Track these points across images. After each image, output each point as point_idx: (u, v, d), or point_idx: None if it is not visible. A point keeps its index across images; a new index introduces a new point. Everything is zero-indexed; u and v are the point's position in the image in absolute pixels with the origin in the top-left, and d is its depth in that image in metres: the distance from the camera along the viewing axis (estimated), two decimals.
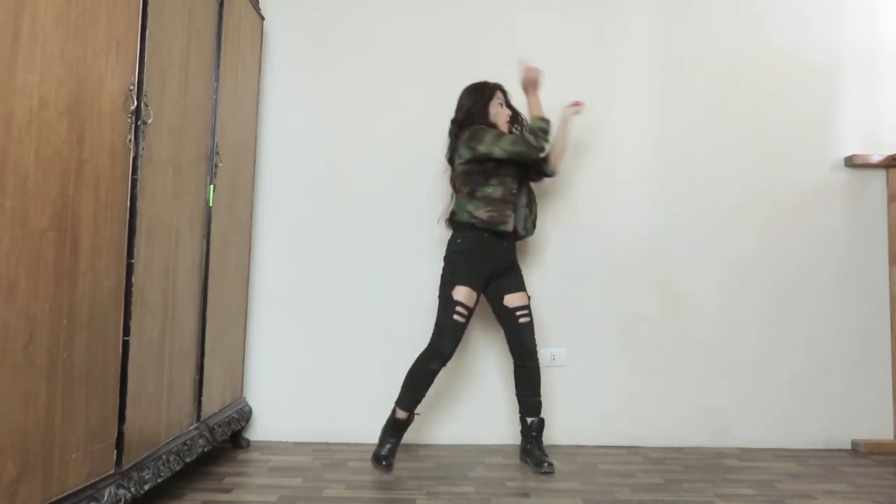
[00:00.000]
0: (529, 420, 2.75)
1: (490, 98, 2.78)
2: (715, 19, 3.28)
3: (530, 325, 2.76)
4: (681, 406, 3.14)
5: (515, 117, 2.83)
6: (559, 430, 3.10)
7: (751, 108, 3.25)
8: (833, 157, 3.24)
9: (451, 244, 2.71)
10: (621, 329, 3.18)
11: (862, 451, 3.05)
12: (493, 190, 2.67)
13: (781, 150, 3.24)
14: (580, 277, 3.18)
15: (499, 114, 2.78)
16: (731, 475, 2.63)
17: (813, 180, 3.23)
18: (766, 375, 3.16)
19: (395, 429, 2.60)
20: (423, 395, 2.62)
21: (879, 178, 3.23)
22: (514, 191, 2.75)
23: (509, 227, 2.72)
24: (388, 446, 2.57)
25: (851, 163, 3.21)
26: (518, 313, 2.75)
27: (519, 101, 2.87)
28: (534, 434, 2.74)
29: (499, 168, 2.68)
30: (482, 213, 2.66)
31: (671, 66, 3.27)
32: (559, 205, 3.21)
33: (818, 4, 3.30)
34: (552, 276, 3.17)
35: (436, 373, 2.60)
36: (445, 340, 2.60)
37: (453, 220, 2.74)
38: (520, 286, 2.78)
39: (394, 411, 2.62)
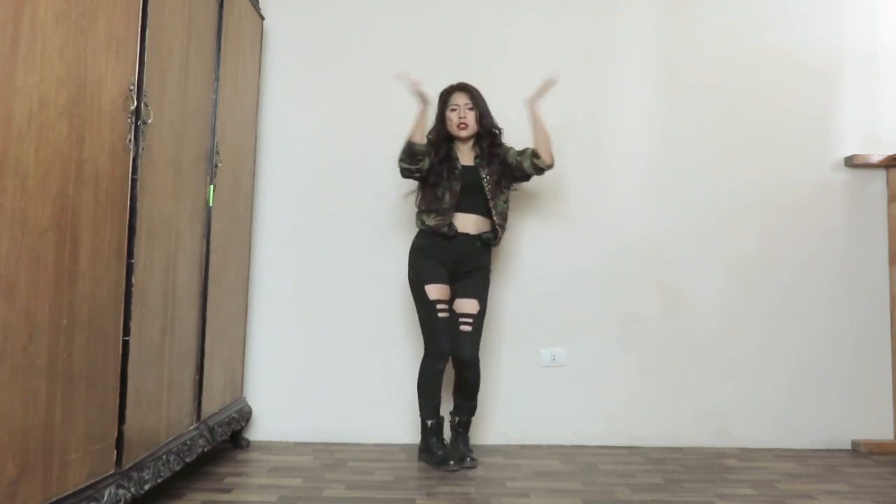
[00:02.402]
0: (458, 418, 2.78)
1: (443, 105, 2.80)
2: (715, 19, 3.28)
3: (471, 334, 2.69)
4: (681, 406, 3.14)
5: (481, 120, 2.77)
6: (559, 430, 3.10)
7: (751, 109, 3.25)
8: (833, 157, 3.24)
9: (412, 244, 2.79)
10: (622, 329, 3.18)
11: (862, 451, 3.05)
12: (444, 200, 2.70)
13: (781, 150, 3.24)
14: (580, 277, 3.18)
15: (450, 120, 2.78)
16: (731, 475, 2.63)
17: (813, 180, 3.23)
18: (766, 375, 3.16)
19: (433, 433, 2.71)
20: (440, 398, 2.73)
21: (879, 178, 3.23)
22: (457, 194, 2.70)
23: (454, 230, 2.71)
24: (440, 453, 2.66)
25: (851, 163, 3.21)
26: (461, 320, 2.71)
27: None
28: (460, 430, 2.78)
29: (441, 178, 2.70)
30: (431, 220, 2.73)
31: (671, 67, 3.27)
32: (560, 204, 3.21)
33: (818, 5, 3.30)
34: (552, 275, 3.17)
35: (442, 372, 2.70)
36: (440, 339, 2.67)
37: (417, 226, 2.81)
38: (473, 293, 2.73)
39: (423, 423, 2.73)
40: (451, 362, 2.73)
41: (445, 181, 2.72)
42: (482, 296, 2.76)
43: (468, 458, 2.67)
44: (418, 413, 2.76)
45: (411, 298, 3.09)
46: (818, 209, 3.22)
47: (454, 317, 2.71)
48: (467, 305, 2.72)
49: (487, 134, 2.80)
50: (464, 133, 2.77)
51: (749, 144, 3.24)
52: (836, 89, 3.27)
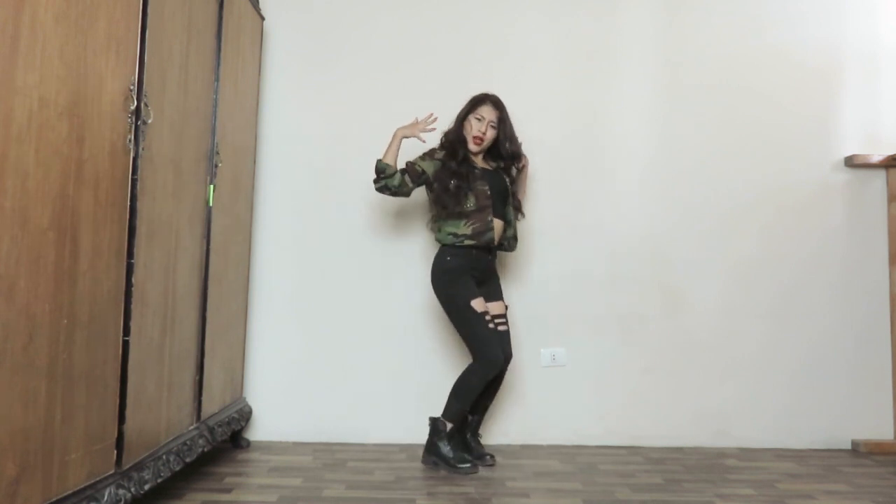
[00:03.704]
0: (472, 417, 2.79)
1: (470, 109, 2.80)
2: (715, 19, 3.28)
3: (509, 333, 2.81)
4: (681, 406, 3.14)
5: (501, 143, 2.79)
6: (560, 430, 3.11)
7: (751, 109, 3.25)
8: (833, 157, 3.24)
9: (440, 262, 2.73)
10: (622, 329, 3.18)
11: (862, 451, 3.05)
12: (468, 202, 2.70)
13: (782, 151, 3.24)
14: (580, 277, 3.18)
15: (469, 125, 2.78)
16: (731, 475, 2.63)
17: (813, 180, 3.23)
18: (766, 375, 3.16)
19: (452, 436, 2.68)
20: (469, 407, 2.70)
21: (879, 178, 3.23)
22: (489, 196, 2.72)
23: (495, 237, 2.73)
24: (455, 454, 2.64)
25: (851, 163, 3.21)
26: (498, 321, 2.78)
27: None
28: (470, 432, 2.80)
29: (463, 179, 2.70)
30: (464, 228, 2.69)
31: (672, 67, 3.27)
32: (560, 205, 3.21)
33: (818, 5, 3.30)
34: (552, 275, 3.18)
35: (489, 383, 2.68)
36: (494, 349, 2.65)
37: (440, 238, 2.77)
38: (499, 295, 2.84)
39: (442, 424, 2.68)
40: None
41: (467, 182, 2.70)
42: (502, 295, 2.86)
43: (488, 457, 2.73)
44: (441, 413, 2.69)
45: (411, 298, 3.11)
46: (818, 209, 3.22)
47: None
48: (497, 307, 2.81)
49: (510, 157, 2.82)
50: (474, 148, 2.77)
51: (749, 144, 3.24)
52: (836, 89, 3.27)
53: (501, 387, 2.80)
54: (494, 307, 2.79)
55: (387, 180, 2.68)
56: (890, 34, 3.29)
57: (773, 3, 3.30)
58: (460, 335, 2.74)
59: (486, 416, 3.01)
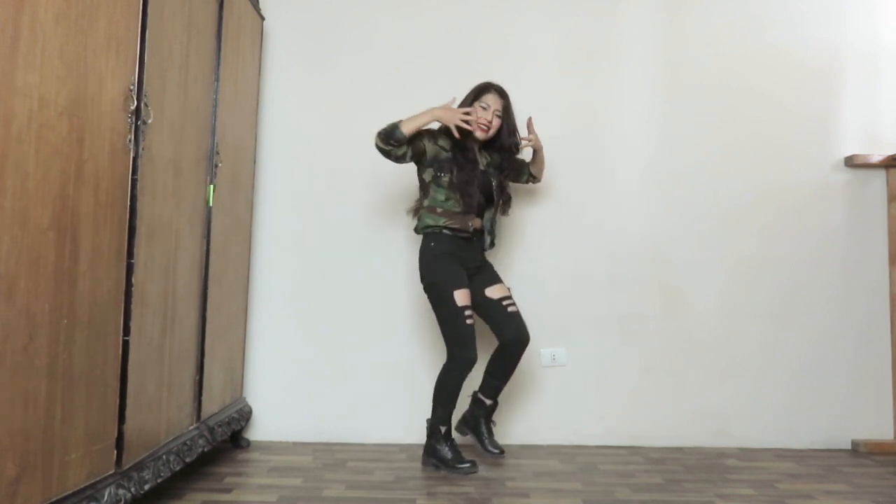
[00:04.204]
0: (490, 402, 2.73)
1: (475, 98, 2.73)
2: (715, 19, 3.28)
3: (519, 314, 2.71)
4: (681, 406, 3.14)
5: (501, 128, 2.74)
6: (559, 430, 3.11)
7: (751, 109, 3.25)
8: (833, 157, 3.24)
9: (425, 250, 2.68)
10: (622, 329, 3.18)
11: (862, 451, 3.05)
12: (457, 202, 2.65)
13: (782, 150, 3.24)
14: (580, 277, 3.18)
15: (475, 112, 2.69)
16: (731, 475, 2.63)
17: (813, 180, 3.23)
18: (766, 375, 3.16)
19: (447, 438, 2.66)
20: (455, 405, 2.68)
21: (879, 178, 3.23)
22: (477, 201, 2.70)
23: (470, 231, 2.70)
24: (453, 455, 2.62)
25: (851, 163, 3.21)
26: (505, 302, 2.71)
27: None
28: (484, 419, 2.74)
29: (466, 174, 2.65)
30: (444, 221, 2.66)
31: (672, 67, 3.27)
32: (559, 204, 3.21)
33: (818, 5, 3.30)
34: (552, 275, 3.17)
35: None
36: (469, 348, 2.60)
37: (418, 229, 2.73)
38: (497, 278, 2.77)
39: (436, 428, 2.67)
40: (506, 344, 2.67)
41: (471, 178, 2.66)
42: (500, 279, 2.79)
43: (496, 450, 2.69)
44: (430, 416, 2.70)
45: (412, 298, 3.11)
46: (818, 209, 3.22)
47: (492, 306, 2.69)
48: (500, 290, 2.73)
49: (507, 149, 2.77)
50: (480, 135, 2.71)
51: (749, 144, 3.24)
52: (836, 89, 3.27)
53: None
54: (496, 290, 2.72)
55: (393, 149, 2.56)
56: (890, 34, 3.29)
57: (773, 3, 3.30)
58: (440, 328, 2.67)
59: None
